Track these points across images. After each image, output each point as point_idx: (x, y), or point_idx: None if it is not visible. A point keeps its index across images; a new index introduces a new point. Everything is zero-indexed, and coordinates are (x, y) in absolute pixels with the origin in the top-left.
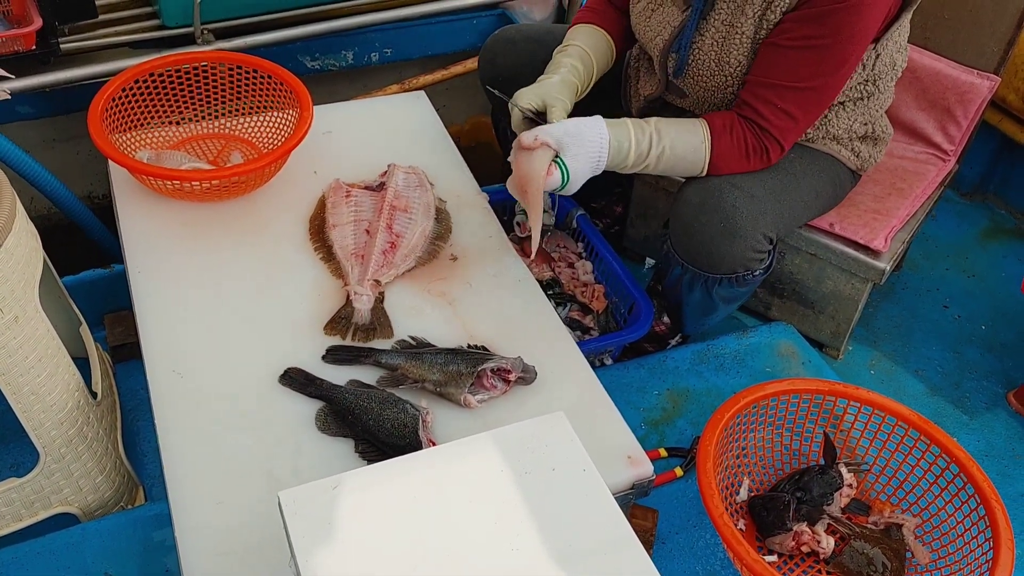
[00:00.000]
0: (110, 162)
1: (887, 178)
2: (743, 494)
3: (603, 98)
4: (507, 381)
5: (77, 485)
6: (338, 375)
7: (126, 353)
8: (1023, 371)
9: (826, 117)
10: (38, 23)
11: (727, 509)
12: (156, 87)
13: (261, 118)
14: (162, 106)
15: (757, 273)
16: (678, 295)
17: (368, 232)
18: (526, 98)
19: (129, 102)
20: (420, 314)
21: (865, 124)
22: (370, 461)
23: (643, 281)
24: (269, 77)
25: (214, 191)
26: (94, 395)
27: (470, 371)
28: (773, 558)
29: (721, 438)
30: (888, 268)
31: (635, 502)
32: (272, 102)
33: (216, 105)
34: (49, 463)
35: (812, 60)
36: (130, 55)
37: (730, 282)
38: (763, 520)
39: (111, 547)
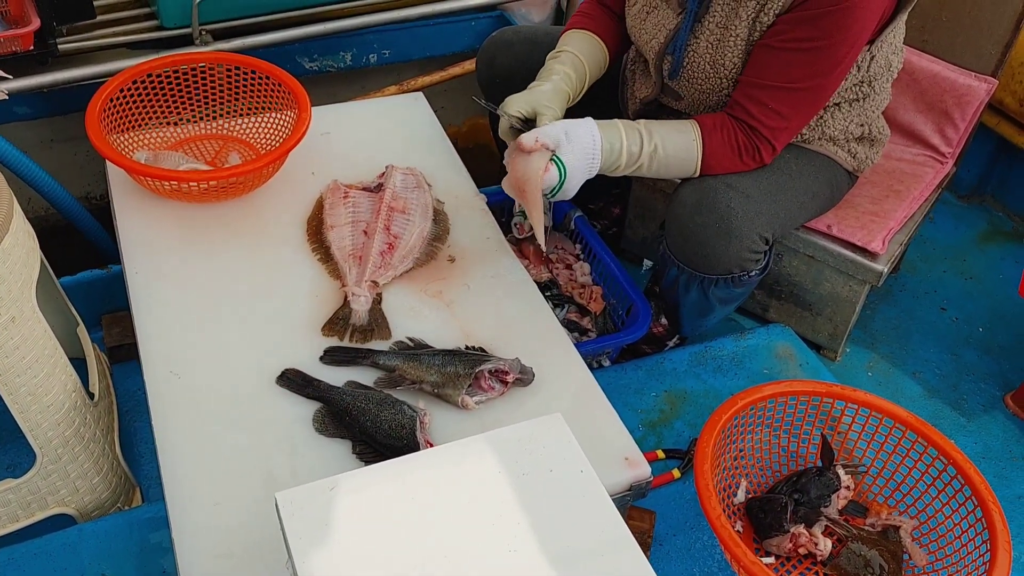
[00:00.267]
0: (108, 163)
1: (885, 180)
2: (740, 496)
3: (596, 103)
4: (505, 382)
5: (74, 486)
6: (336, 376)
7: (123, 354)
8: (1020, 373)
9: (822, 118)
10: (36, 23)
11: (724, 511)
12: (154, 88)
13: (259, 119)
14: (160, 107)
15: (753, 274)
16: (675, 296)
17: (366, 233)
18: (516, 105)
19: (127, 103)
20: (418, 315)
21: (861, 125)
22: (367, 462)
23: (641, 283)
24: (267, 78)
25: (212, 192)
26: (91, 396)
27: (468, 372)
28: (770, 560)
29: (719, 440)
30: (886, 270)
31: (632, 504)
32: (270, 103)
33: (214, 106)
34: (46, 464)
35: (805, 62)
36: (128, 56)
37: (726, 283)
38: (760, 522)
39: (108, 548)
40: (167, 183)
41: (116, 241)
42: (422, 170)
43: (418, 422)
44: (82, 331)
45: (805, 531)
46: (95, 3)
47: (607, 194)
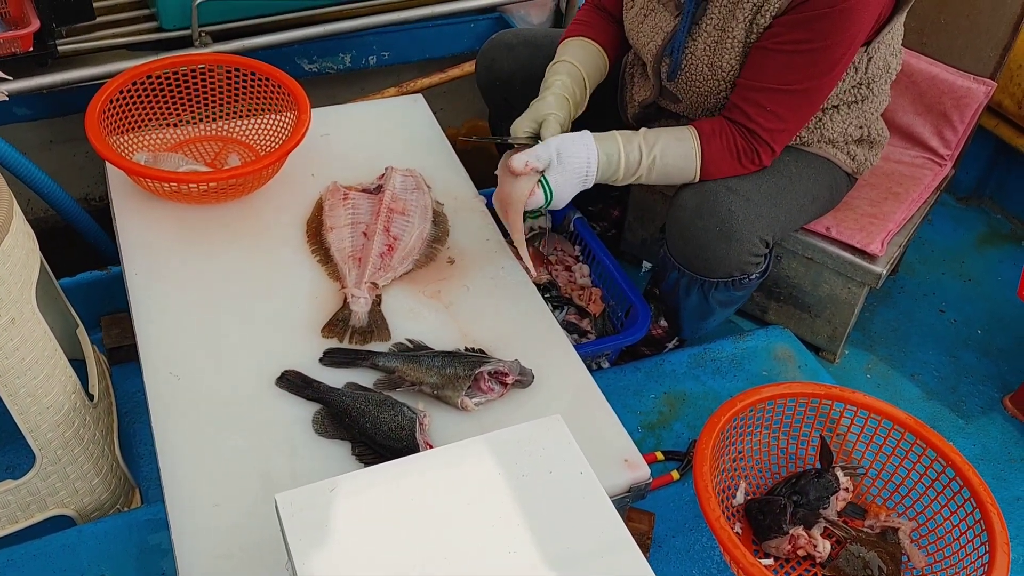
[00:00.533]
0: (107, 164)
1: (884, 182)
2: (740, 498)
3: (595, 106)
4: (504, 384)
5: (73, 487)
6: (335, 378)
7: (123, 355)
8: (1019, 375)
9: (821, 120)
10: (36, 25)
11: (724, 513)
12: (154, 89)
13: (259, 121)
14: (160, 108)
15: (753, 277)
16: (675, 299)
17: (365, 235)
18: (523, 127)
19: (127, 104)
20: (417, 317)
21: (860, 127)
22: (367, 464)
23: (640, 284)
24: (267, 80)
25: (211, 193)
26: (91, 397)
27: (467, 374)
28: (769, 562)
29: (718, 442)
30: (884, 272)
31: (632, 505)
32: (270, 105)
33: (214, 107)
34: (45, 465)
35: (801, 64)
36: (128, 57)
37: (726, 286)
38: (759, 524)
39: (107, 550)
40: (167, 184)
41: (116, 242)
42: (421, 172)
43: (418, 424)
44: (82, 332)
45: (804, 533)
46: (95, 4)
47: (607, 196)
